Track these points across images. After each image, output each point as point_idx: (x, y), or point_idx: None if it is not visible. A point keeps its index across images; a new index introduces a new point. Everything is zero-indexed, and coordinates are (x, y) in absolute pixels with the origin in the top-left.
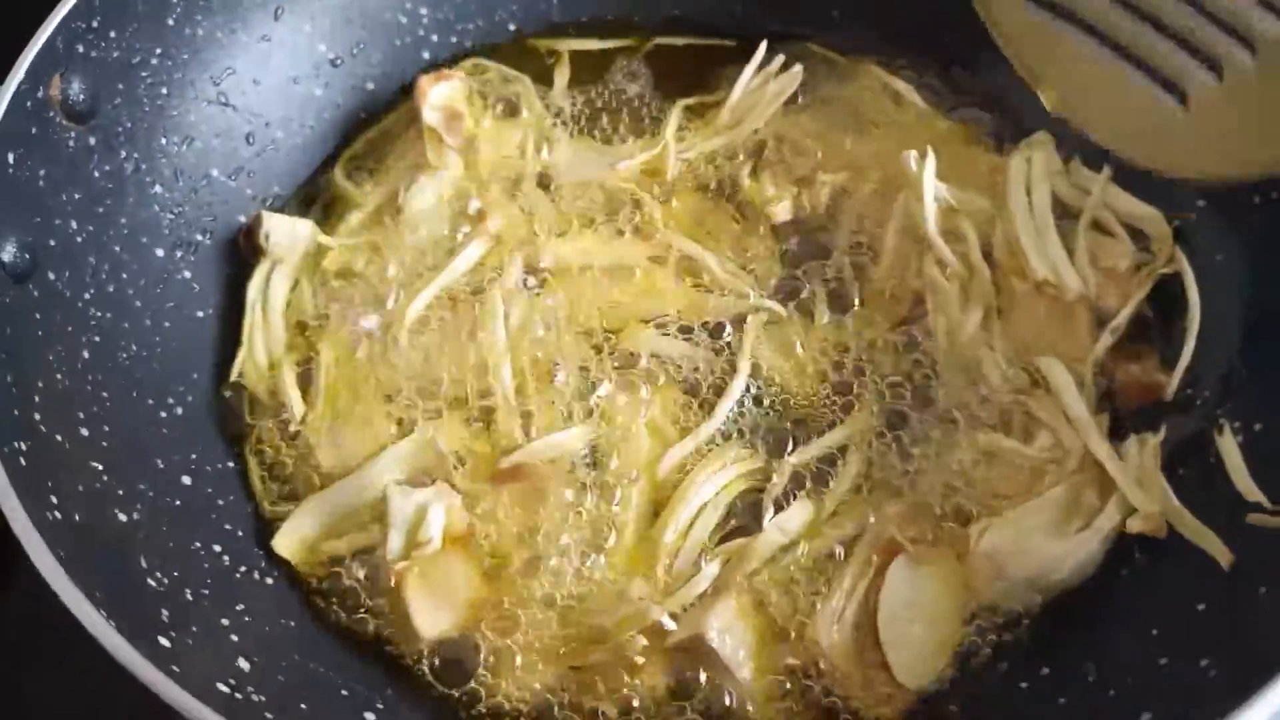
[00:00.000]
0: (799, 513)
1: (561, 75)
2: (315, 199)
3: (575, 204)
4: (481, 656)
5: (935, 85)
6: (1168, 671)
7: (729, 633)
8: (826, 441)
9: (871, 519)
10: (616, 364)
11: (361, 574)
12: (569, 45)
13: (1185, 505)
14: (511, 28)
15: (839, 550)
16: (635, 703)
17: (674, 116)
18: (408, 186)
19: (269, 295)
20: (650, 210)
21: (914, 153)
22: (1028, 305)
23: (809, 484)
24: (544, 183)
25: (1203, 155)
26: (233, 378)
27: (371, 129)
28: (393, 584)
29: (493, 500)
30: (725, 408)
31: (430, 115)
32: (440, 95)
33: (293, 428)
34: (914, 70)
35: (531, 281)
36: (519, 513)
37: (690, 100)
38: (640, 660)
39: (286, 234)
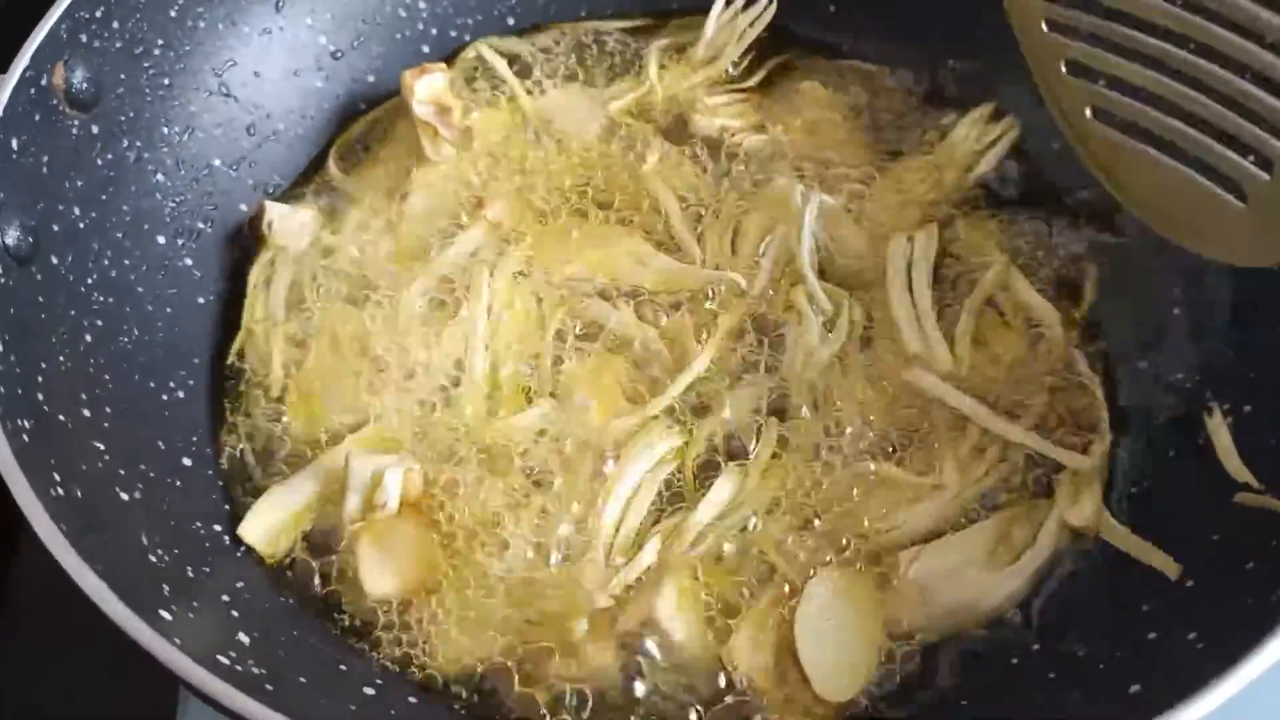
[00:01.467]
0: (725, 486)
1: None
2: (315, 187)
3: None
4: (423, 626)
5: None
6: (1156, 646)
7: (676, 614)
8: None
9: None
10: (580, 335)
11: (315, 543)
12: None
13: (1175, 486)
14: (510, 21)
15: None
16: (581, 686)
17: (653, 56)
18: (407, 176)
19: (270, 281)
20: (646, 148)
21: (800, 186)
22: None
23: (724, 458)
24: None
25: (1261, 244)
26: (229, 359)
27: (363, 118)
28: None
29: (452, 477)
30: (679, 386)
31: (420, 109)
32: (426, 89)
33: (273, 404)
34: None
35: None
36: (476, 491)
37: (664, 41)
38: (585, 643)
39: (289, 222)
